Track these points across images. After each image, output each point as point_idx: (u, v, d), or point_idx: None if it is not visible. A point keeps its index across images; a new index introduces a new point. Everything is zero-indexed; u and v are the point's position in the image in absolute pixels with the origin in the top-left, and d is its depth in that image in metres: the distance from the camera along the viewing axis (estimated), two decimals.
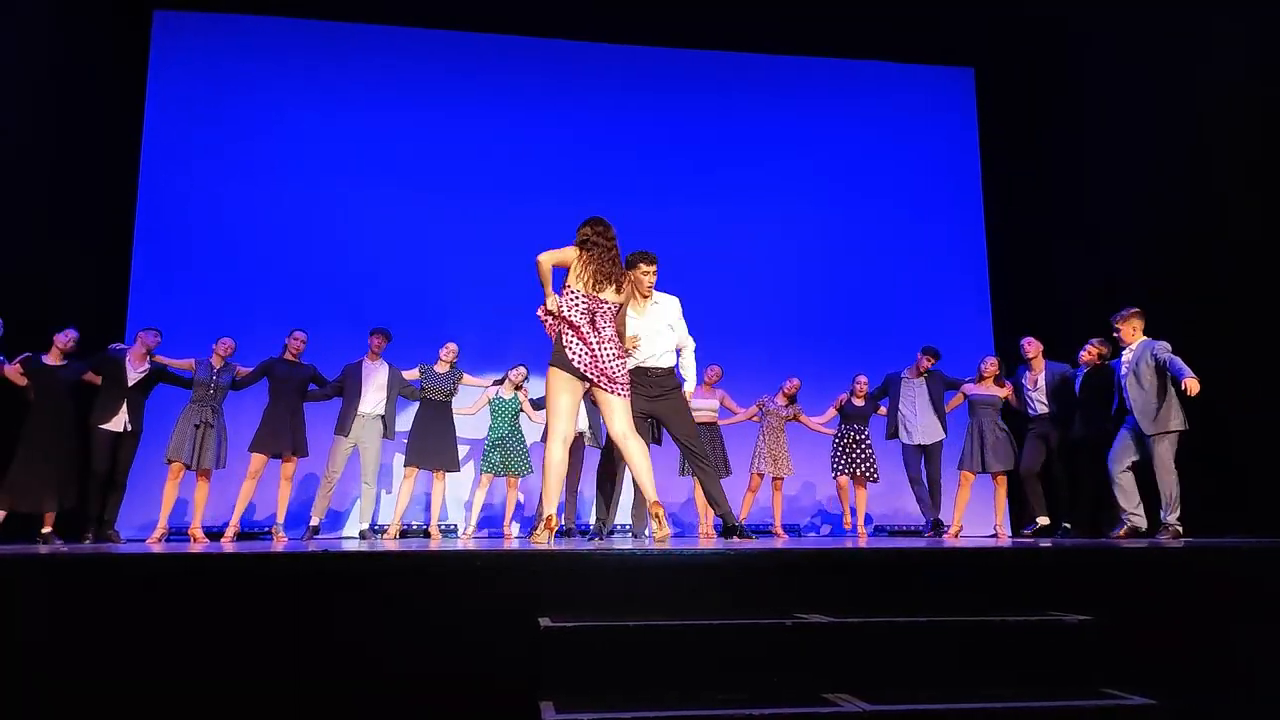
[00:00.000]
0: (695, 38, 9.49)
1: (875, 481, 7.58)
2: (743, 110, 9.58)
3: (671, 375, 5.04)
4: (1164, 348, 5.77)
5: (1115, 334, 6.06)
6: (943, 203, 9.67)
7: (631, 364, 4.98)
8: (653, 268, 4.92)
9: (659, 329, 4.98)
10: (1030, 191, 9.18)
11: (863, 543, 5.19)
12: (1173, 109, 7.27)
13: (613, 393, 4.43)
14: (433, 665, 2.92)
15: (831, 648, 2.83)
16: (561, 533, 7.75)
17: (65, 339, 6.25)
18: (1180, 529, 5.68)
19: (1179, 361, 5.63)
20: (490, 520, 8.23)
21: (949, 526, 7.41)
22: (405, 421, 7.37)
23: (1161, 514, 5.72)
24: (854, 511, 7.66)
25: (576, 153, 9.30)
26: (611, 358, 4.42)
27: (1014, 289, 9.28)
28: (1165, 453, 5.71)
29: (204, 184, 8.65)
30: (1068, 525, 6.70)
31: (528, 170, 9.14)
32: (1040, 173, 9.05)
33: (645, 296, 4.95)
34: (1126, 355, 5.98)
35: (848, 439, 7.56)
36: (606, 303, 4.49)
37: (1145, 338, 5.93)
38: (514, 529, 7.59)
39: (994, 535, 7.29)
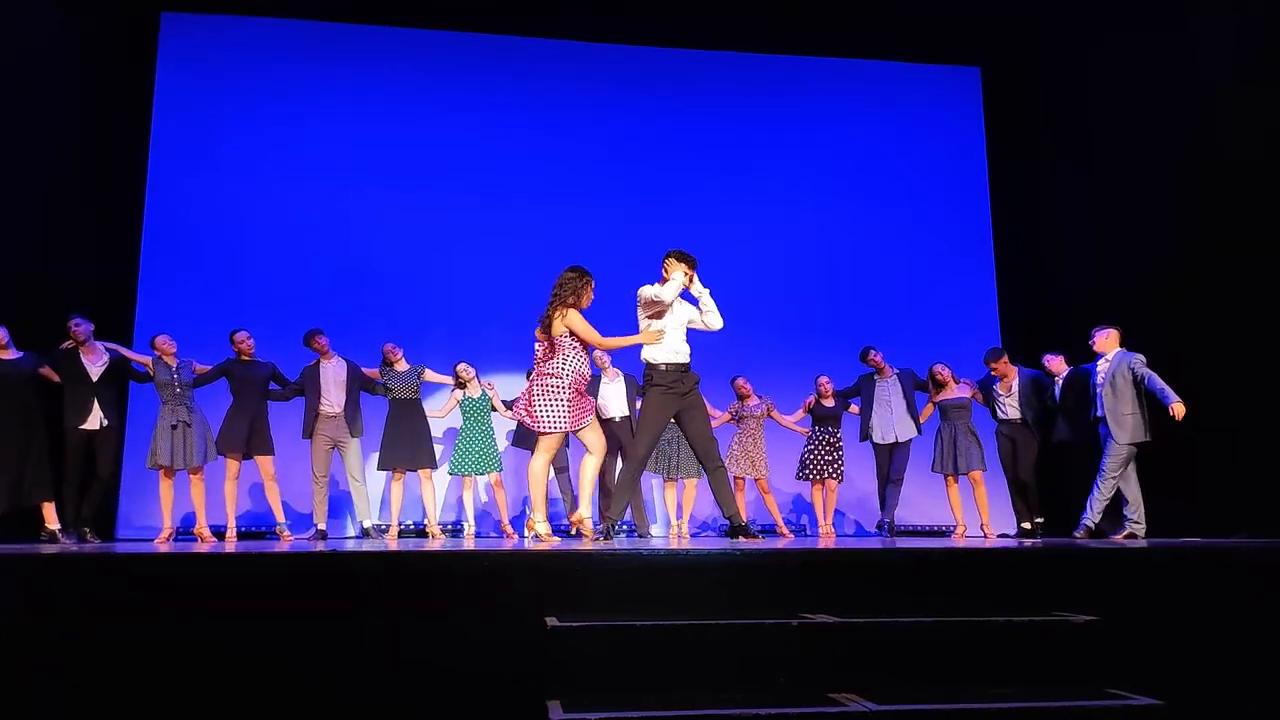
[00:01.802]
0: (701, 38, 9.47)
1: (840, 481, 7.55)
2: (747, 110, 9.56)
3: (691, 371, 5.15)
4: (1140, 361, 5.96)
5: (1091, 343, 6.25)
6: (949, 202, 9.64)
7: (664, 359, 5.04)
8: (690, 273, 5.08)
9: (683, 322, 5.12)
10: (1037, 190, 9.16)
11: (828, 543, 5.20)
12: (1179, 108, 7.26)
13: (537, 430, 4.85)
14: (440, 664, 2.93)
15: (838, 647, 2.84)
16: (566, 533, 7.77)
17: None
18: (1140, 529, 5.96)
19: (1159, 381, 5.81)
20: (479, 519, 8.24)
21: (947, 528, 7.43)
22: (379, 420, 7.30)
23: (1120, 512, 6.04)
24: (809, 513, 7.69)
25: (582, 154, 9.29)
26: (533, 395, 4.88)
27: (1020, 288, 9.26)
28: (1129, 458, 5.96)
29: (211, 185, 8.65)
30: (1040, 520, 6.88)
31: (534, 172, 9.13)
32: (1047, 171, 9.03)
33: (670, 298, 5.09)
34: (1102, 365, 6.15)
35: (822, 442, 7.52)
36: (542, 341, 4.91)
37: (1121, 349, 6.11)
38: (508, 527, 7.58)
39: (983, 536, 7.29)
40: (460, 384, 7.33)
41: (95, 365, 6.30)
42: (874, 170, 9.61)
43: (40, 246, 7.35)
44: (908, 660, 2.86)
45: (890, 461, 7.40)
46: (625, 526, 7.49)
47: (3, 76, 6.98)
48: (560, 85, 9.35)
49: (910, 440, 7.35)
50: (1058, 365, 6.76)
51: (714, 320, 5.19)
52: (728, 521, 5.23)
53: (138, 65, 8.61)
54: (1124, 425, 5.91)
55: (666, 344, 5.02)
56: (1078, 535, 6.09)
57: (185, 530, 6.89)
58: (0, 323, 6.05)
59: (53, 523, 6.04)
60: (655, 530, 7.76)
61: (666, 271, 5.12)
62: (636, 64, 9.51)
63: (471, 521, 7.45)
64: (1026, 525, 7.01)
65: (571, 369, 4.75)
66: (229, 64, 8.85)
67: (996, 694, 2.69)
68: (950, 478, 7.16)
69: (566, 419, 4.72)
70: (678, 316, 5.10)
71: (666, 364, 5.02)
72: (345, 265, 8.71)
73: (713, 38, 9.47)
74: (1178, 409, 5.68)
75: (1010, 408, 6.92)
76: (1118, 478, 5.97)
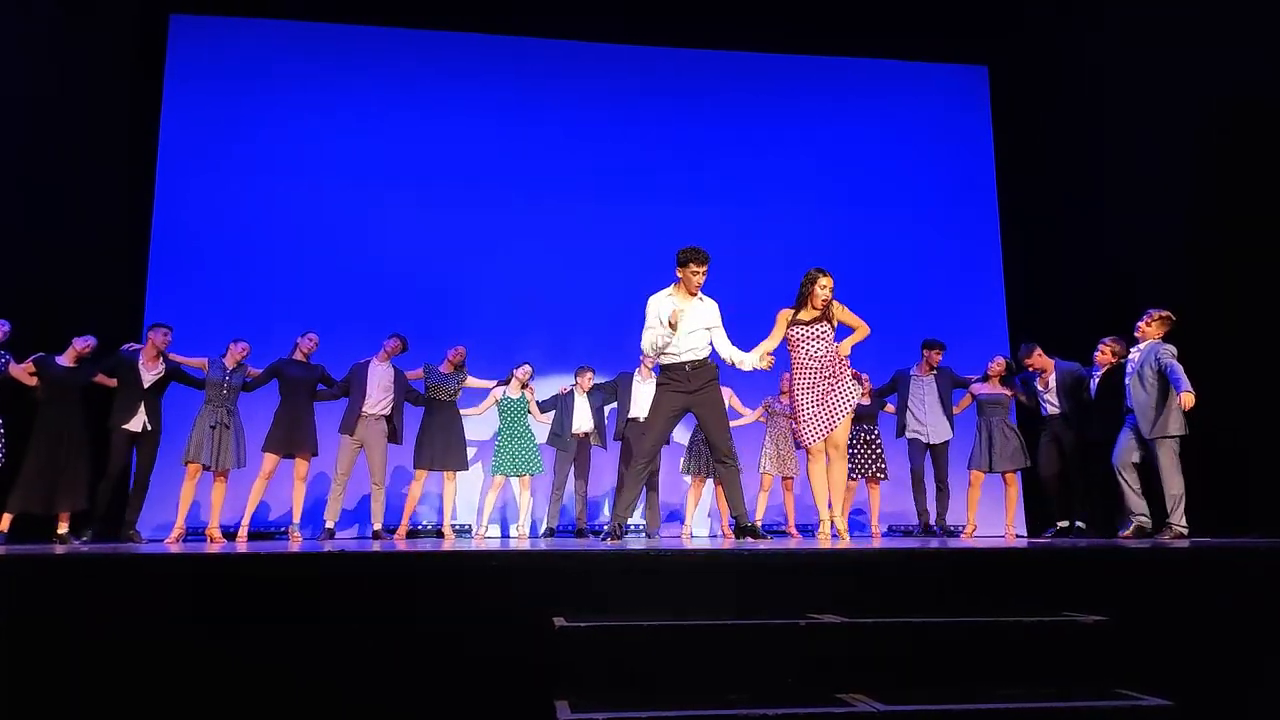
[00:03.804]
0: (708, 38, 9.47)
1: (885, 479, 7.54)
2: (755, 110, 9.56)
3: (706, 366, 5.06)
4: (1169, 352, 5.70)
5: (1137, 328, 5.97)
6: (957, 201, 9.62)
7: (668, 360, 5.03)
8: (703, 268, 5.05)
9: (696, 324, 5.05)
10: (1045, 190, 9.13)
11: (876, 543, 5.19)
12: (1188, 107, 7.22)
13: None
14: (449, 664, 2.94)
15: (845, 648, 2.83)
16: (575, 532, 7.78)
17: (84, 344, 6.25)
18: (1184, 530, 5.62)
19: (1178, 370, 5.57)
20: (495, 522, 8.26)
21: (961, 528, 7.37)
22: (415, 421, 7.35)
23: (1167, 514, 5.68)
24: (864, 512, 7.65)
25: (591, 155, 9.30)
26: None
27: (1028, 287, 9.23)
28: (1167, 456, 5.67)
29: (220, 186, 8.69)
30: (1082, 525, 6.66)
31: (542, 172, 9.15)
32: (1054, 171, 9.00)
33: (692, 294, 5.08)
34: (1134, 355, 5.95)
35: (859, 440, 7.52)
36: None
37: (1155, 340, 5.86)
38: (526, 529, 7.59)
39: (1003, 535, 7.26)
40: (504, 381, 7.35)
41: (150, 374, 6.49)
42: (881, 169, 9.61)
43: (50, 247, 7.39)
44: (916, 661, 2.85)
45: (924, 462, 7.36)
46: (635, 526, 7.51)
47: (12, 79, 7.03)
48: (569, 86, 9.36)
49: (946, 442, 7.31)
50: (1104, 355, 6.45)
51: (723, 350, 5.17)
52: (734, 520, 5.21)
53: (147, 68, 8.66)
54: (1150, 420, 5.67)
55: (677, 342, 4.98)
56: (1164, 538, 5.63)
57: (193, 531, 6.92)
58: (10, 323, 6.15)
59: (63, 527, 6.17)
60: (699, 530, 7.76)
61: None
62: (645, 65, 9.52)
63: (485, 523, 7.47)
64: (1063, 524, 6.86)
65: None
66: (238, 66, 8.89)
67: (1005, 694, 2.68)
68: (977, 474, 7.09)
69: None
70: (698, 317, 5.06)
71: (674, 361, 5.00)
72: (355, 266, 8.74)
73: (718, 38, 9.47)
74: (1185, 399, 5.45)
75: (1051, 404, 6.75)
76: (1177, 469, 5.65)
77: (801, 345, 5.15)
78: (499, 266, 8.88)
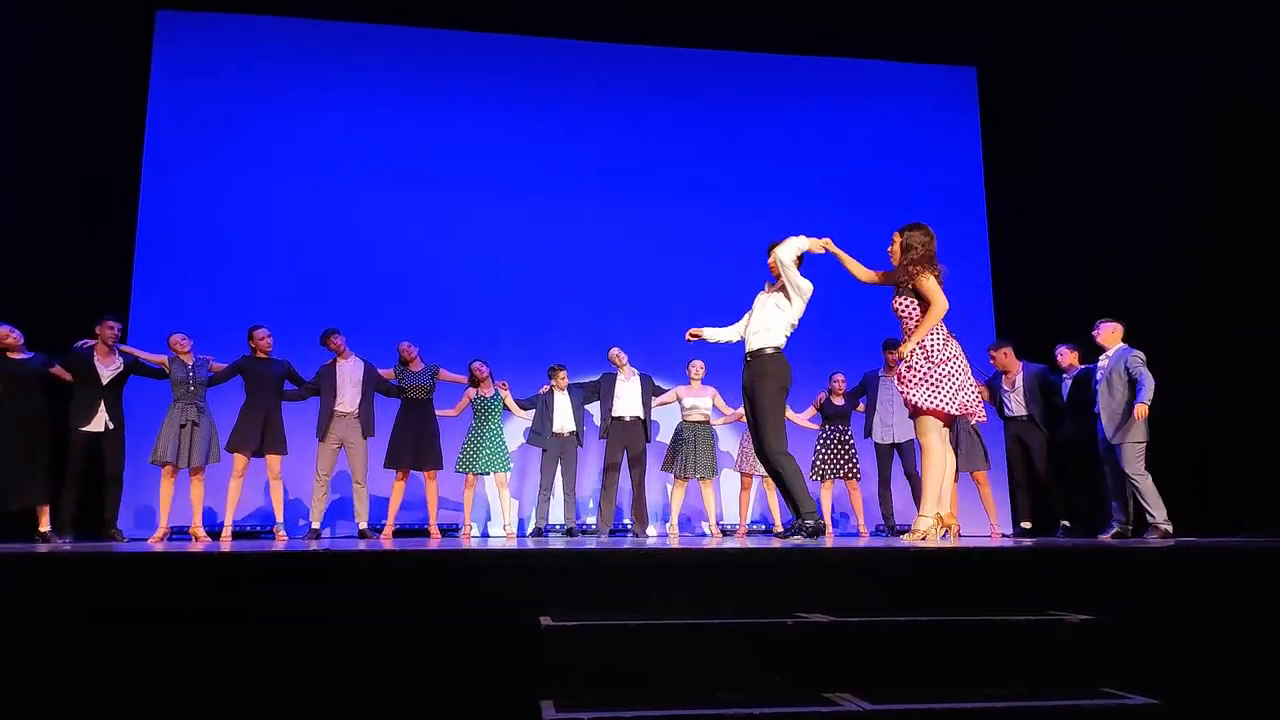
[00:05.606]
0: (699, 38, 9.47)
1: (859, 479, 7.56)
2: (744, 111, 9.57)
3: (749, 360, 5.23)
4: (1138, 360, 5.88)
5: (1094, 334, 6.15)
6: (945, 202, 9.65)
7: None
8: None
9: (766, 308, 5.23)
10: (1033, 191, 9.16)
11: (863, 542, 5.19)
12: (1177, 108, 7.25)
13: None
14: (434, 663, 2.92)
15: (833, 647, 2.83)
16: (571, 532, 7.77)
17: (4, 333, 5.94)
18: (1169, 528, 5.72)
19: (1145, 379, 5.76)
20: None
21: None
22: (389, 419, 7.28)
23: (1147, 515, 5.81)
24: (845, 513, 7.68)
25: (585, 154, 9.29)
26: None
27: (1016, 288, 9.26)
28: (1133, 458, 5.82)
29: (207, 183, 8.66)
30: (1067, 523, 6.71)
31: (540, 172, 9.13)
32: (1043, 172, 9.03)
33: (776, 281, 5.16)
34: (1103, 361, 6.11)
35: (833, 440, 7.54)
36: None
37: (1123, 345, 6.03)
38: (513, 528, 7.56)
39: (990, 535, 7.30)
40: (474, 382, 7.33)
41: (108, 369, 6.29)
42: (870, 169, 9.63)
43: (35, 245, 7.33)
44: (903, 660, 2.85)
45: (893, 463, 7.40)
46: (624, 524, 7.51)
47: None
48: (561, 85, 9.37)
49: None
50: (1067, 360, 6.63)
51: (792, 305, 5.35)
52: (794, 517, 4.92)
53: (133, 63, 8.61)
54: (1116, 424, 5.88)
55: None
56: (1151, 538, 5.69)
57: (180, 529, 6.87)
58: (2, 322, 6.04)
59: (44, 525, 6.01)
60: (653, 530, 7.76)
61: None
62: (638, 65, 9.52)
63: (469, 521, 7.44)
64: (1026, 524, 6.97)
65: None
66: (224, 62, 8.86)
67: (992, 693, 2.68)
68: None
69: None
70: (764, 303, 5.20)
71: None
72: (343, 263, 8.72)
73: (709, 38, 9.48)
74: (1139, 409, 5.67)
75: (1016, 404, 6.84)
76: (1144, 473, 5.80)
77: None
78: (496, 266, 8.86)
